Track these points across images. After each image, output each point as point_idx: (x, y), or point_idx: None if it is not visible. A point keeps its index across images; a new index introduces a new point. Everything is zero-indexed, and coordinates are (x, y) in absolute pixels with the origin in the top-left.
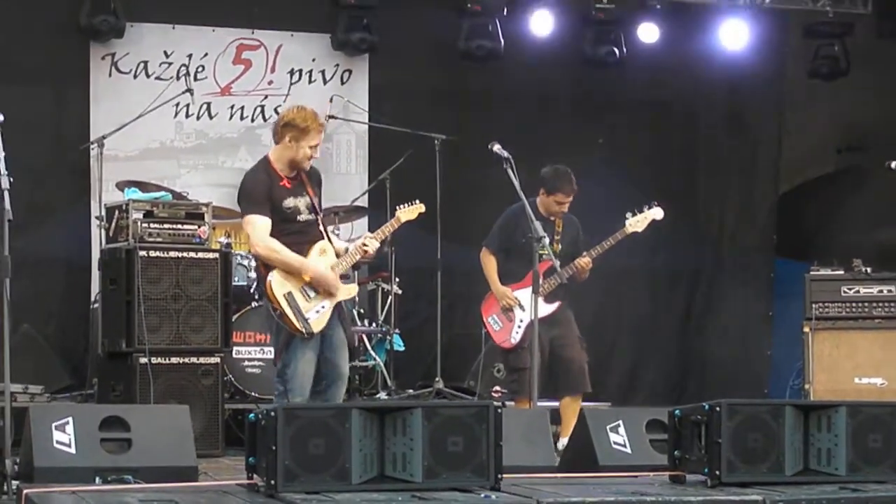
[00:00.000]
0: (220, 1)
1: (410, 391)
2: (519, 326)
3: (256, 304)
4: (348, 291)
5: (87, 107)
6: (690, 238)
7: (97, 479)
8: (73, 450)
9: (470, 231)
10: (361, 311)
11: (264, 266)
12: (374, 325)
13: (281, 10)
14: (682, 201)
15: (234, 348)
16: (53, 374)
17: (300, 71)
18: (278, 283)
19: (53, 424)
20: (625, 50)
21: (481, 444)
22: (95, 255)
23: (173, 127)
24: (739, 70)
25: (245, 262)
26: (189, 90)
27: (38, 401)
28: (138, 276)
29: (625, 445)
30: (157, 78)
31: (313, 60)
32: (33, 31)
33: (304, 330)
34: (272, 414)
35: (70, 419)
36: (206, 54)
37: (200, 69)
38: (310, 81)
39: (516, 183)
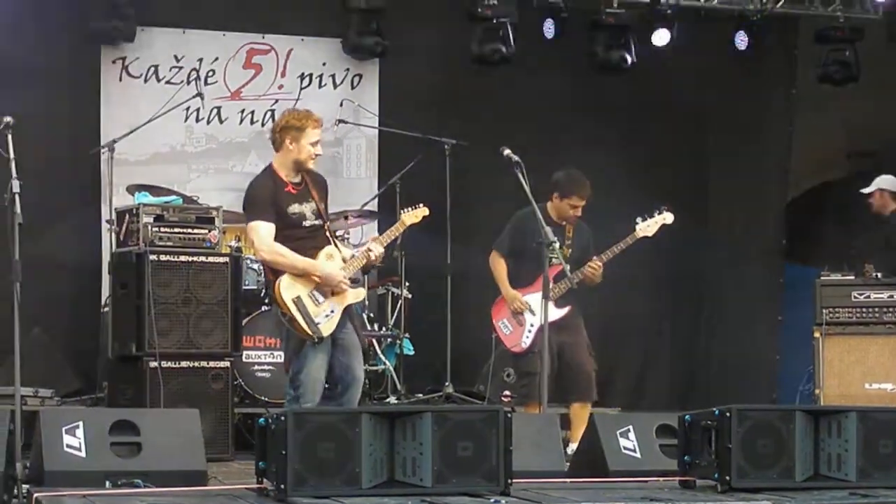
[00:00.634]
0: (230, 5)
1: (420, 396)
2: (529, 331)
3: (266, 308)
4: (357, 295)
5: (97, 111)
6: (700, 243)
7: (107, 483)
8: (83, 454)
9: (480, 235)
10: (371, 315)
11: (272, 272)
12: (383, 329)
13: (291, 15)
14: (691, 206)
15: (244, 352)
16: (64, 377)
17: (310, 75)
18: (287, 288)
19: (64, 428)
20: (636, 55)
21: (491, 449)
22: (106, 258)
23: (184, 131)
24: (750, 75)
25: (255, 266)
26: (199, 94)
27: (49, 404)
28: (148, 280)
29: (635, 451)
30: (168, 82)
31: (324, 65)
32: (44, 35)
33: (314, 335)
34: (282, 418)
35: (80, 423)
36: (216, 59)
37: (211, 73)
38: (320, 86)
39: (527, 187)
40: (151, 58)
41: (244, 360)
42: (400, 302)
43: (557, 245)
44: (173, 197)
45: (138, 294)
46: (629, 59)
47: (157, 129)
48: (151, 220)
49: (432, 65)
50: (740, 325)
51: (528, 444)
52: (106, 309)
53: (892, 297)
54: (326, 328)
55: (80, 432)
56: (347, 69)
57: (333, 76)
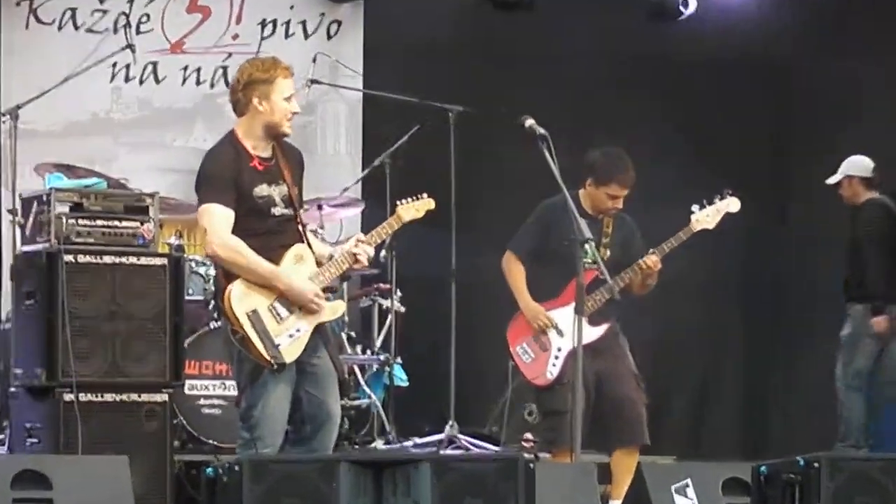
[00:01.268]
0: None
1: (416, 439)
2: (556, 357)
3: (216, 325)
4: (333, 310)
5: None
6: (776, 242)
7: None
8: None
9: (493, 232)
10: (352, 334)
11: (224, 273)
12: (368, 352)
13: None
14: (765, 194)
15: (187, 382)
16: None
17: (274, 22)
18: (239, 298)
19: None
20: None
21: None
22: (7, 260)
23: (109, 94)
24: (847, 33)
25: (202, 271)
26: (130, 46)
27: None
28: (63, 288)
29: None
30: (88, 30)
31: (291, 8)
32: None
33: (272, 360)
34: (236, 468)
35: None
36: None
37: (144, 19)
38: (286, 35)
39: (555, 169)
40: None
41: (187, 392)
42: (390, 317)
43: (594, 244)
44: (95, 179)
45: (49, 306)
46: (689, 4)
47: (74, 92)
48: (67, 209)
49: (432, 8)
50: (827, 349)
51: (558, 502)
52: (6, 325)
53: None
54: (290, 352)
55: None
56: (322, 14)
57: (304, 23)
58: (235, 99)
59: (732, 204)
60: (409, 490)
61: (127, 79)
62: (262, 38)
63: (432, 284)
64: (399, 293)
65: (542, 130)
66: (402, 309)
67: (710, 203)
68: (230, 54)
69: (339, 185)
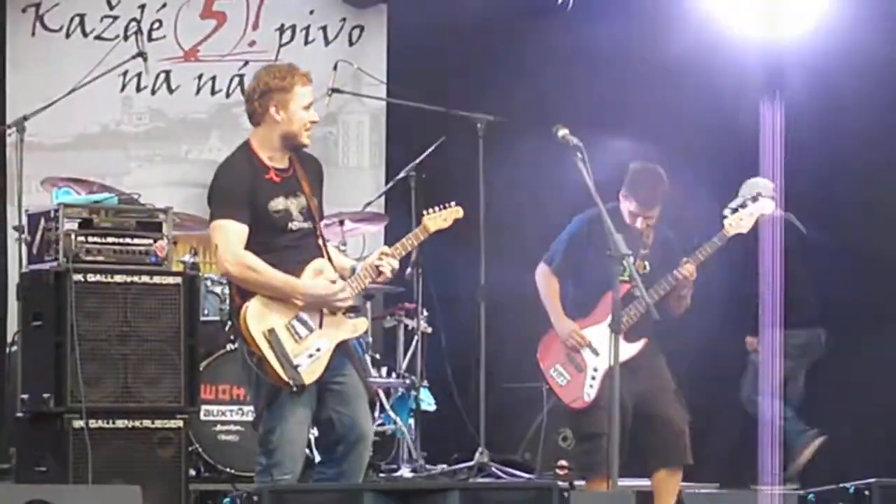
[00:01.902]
0: None
1: (444, 467)
2: (593, 378)
3: (233, 347)
4: (354, 328)
5: (1, 77)
6: (821, 250)
7: None
8: None
9: (525, 247)
10: (377, 356)
11: (239, 293)
12: (393, 375)
13: None
14: (812, 201)
15: (203, 407)
16: None
17: (293, 28)
18: (256, 317)
19: None
20: None
21: None
22: (13, 279)
23: (120, 104)
24: None
25: (218, 290)
26: (141, 54)
27: None
28: (72, 309)
29: None
30: (98, 37)
31: (311, 13)
32: None
33: (291, 381)
34: (255, 498)
35: None
36: (164, 5)
37: (156, 25)
38: (306, 42)
39: (589, 181)
40: (75, 4)
41: (203, 417)
42: (416, 338)
43: (631, 260)
44: (106, 195)
45: (58, 328)
46: None
47: (83, 102)
48: (76, 226)
49: (459, 13)
50: (882, 367)
51: None
52: (14, 348)
53: None
54: (310, 373)
55: None
56: (344, 19)
57: (324, 29)
58: (251, 108)
59: (766, 206)
60: None
61: (138, 88)
62: (281, 45)
63: (460, 303)
64: (425, 312)
65: (575, 140)
66: (430, 329)
67: (743, 206)
68: (247, 62)
69: (362, 199)
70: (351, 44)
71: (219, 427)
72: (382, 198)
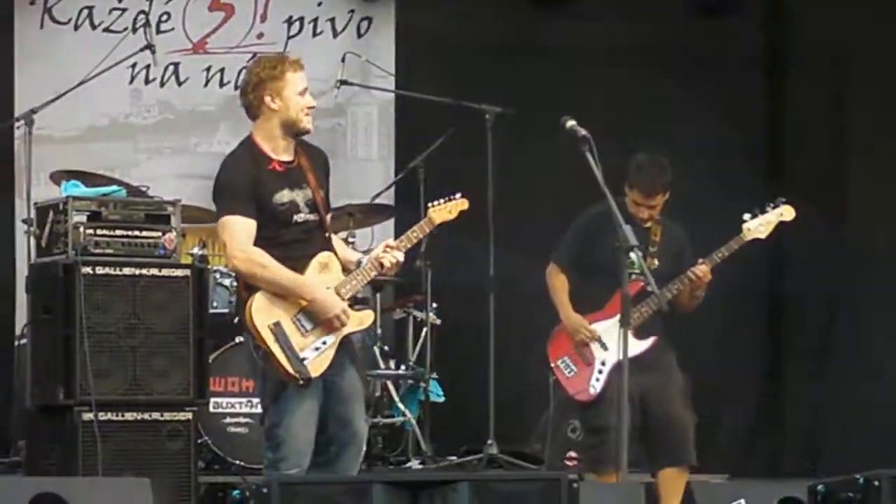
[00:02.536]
0: None
1: (453, 459)
2: (600, 371)
3: (242, 340)
4: (360, 321)
5: (9, 70)
6: (830, 251)
7: None
8: None
9: (534, 239)
10: (386, 348)
11: (246, 287)
12: (402, 367)
13: None
14: (822, 199)
15: (212, 400)
16: None
17: (301, 20)
18: (261, 311)
19: None
20: None
21: None
22: (22, 272)
23: (128, 96)
24: None
25: (226, 282)
26: (149, 46)
27: None
28: (81, 302)
29: None
30: (106, 30)
31: (319, 5)
32: None
33: (297, 375)
34: (264, 490)
35: None
36: None
37: (164, 17)
38: (314, 34)
39: (598, 173)
40: None
41: (212, 410)
42: (425, 330)
43: (640, 253)
44: (114, 187)
45: (67, 321)
46: None
47: (91, 95)
48: (84, 219)
49: (467, 4)
50: (884, 360)
51: None
52: (23, 341)
53: None
54: (316, 366)
55: None
56: (352, 11)
57: (333, 21)
58: (247, 102)
59: (786, 213)
60: None
61: (147, 81)
62: (289, 37)
63: (469, 295)
64: (434, 305)
65: (584, 132)
66: (438, 321)
67: (763, 211)
68: (255, 54)
69: (370, 191)
70: (359, 36)
71: (228, 419)
72: (392, 190)
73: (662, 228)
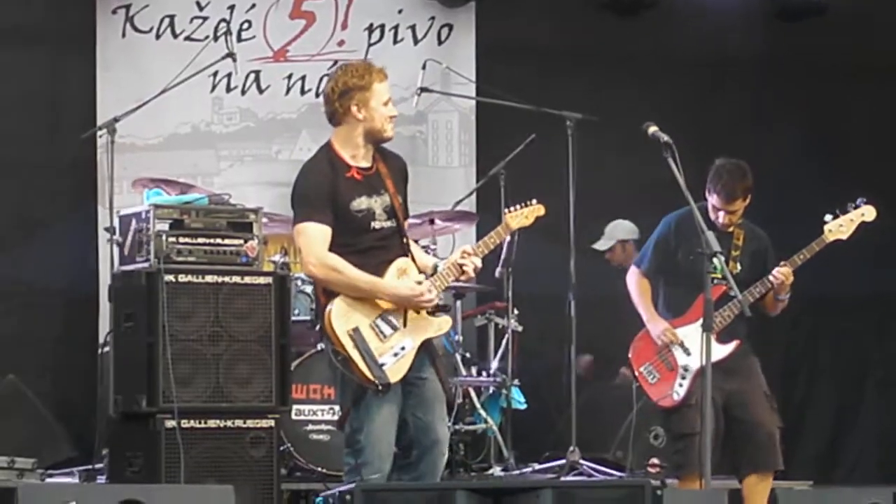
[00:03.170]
0: None
1: (535, 465)
2: (683, 377)
3: (323, 347)
4: (439, 326)
5: (91, 79)
6: None
7: None
8: None
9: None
10: (467, 355)
11: (324, 292)
12: (484, 374)
13: None
14: None
15: (295, 407)
16: (48, 442)
17: (381, 27)
18: (340, 316)
19: None
20: None
21: None
22: (105, 280)
23: (210, 105)
24: None
25: (308, 290)
26: (231, 55)
27: (30, 478)
28: (164, 310)
29: None
30: (188, 38)
31: (399, 12)
32: None
33: (377, 380)
34: (347, 497)
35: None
36: (253, 5)
37: (245, 26)
38: (395, 41)
39: (680, 179)
40: (165, 5)
41: (294, 417)
42: (507, 337)
43: (723, 259)
44: (196, 195)
45: (150, 329)
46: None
47: (173, 103)
48: (167, 227)
49: (549, 11)
50: None
51: None
52: (106, 349)
53: None
54: (395, 372)
55: None
56: (432, 18)
57: (413, 28)
58: (332, 109)
59: (868, 213)
60: None
61: (228, 88)
62: (370, 44)
63: (552, 302)
64: (516, 311)
65: (666, 138)
66: (520, 328)
67: (844, 212)
68: (336, 61)
69: (452, 198)
70: (440, 42)
71: (310, 426)
72: (473, 196)
73: (745, 233)
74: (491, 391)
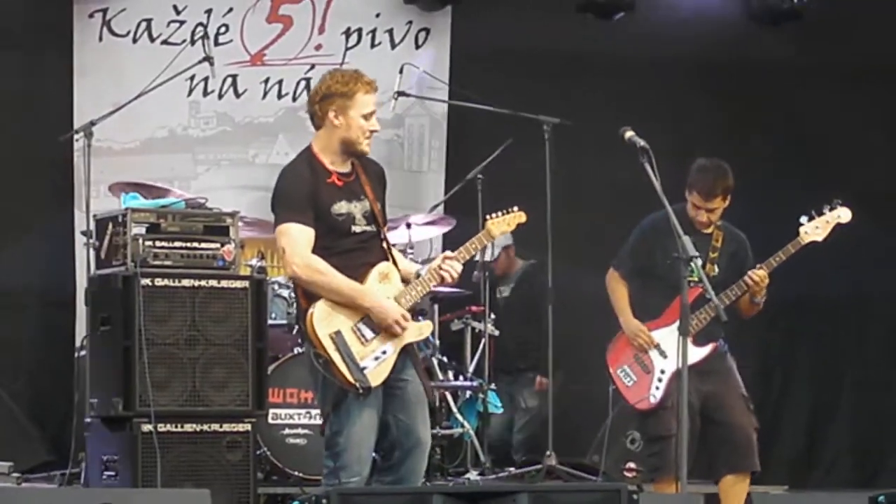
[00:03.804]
0: None
1: (512, 470)
2: (659, 379)
3: (300, 351)
4: (419, 331)
5: (69, 83)
6: (892, 255)
7: None
8: None
9: (593, 249)
10: (444, 359)
11: (305, 295)
12: (461, 378)
13: None
14: (881, 201)
15: (271, 411)
16: (25, 446)
17: (359, 31)
18: (322, 319)
19: None
20: None
21: None
22: (81, 284)
23: (187, 109)
24: None
25: (285, 293)
26: (208, 58)
27: (5, 482)
28: (140, 313)
29: None
30: (165, 42)
31: (377, 16)
32: None
33: (357, 384)
34: (323, 501)
35: None
36: (230, 9)
37: (223, 30)
38: (372, 45)
39: (656, 183)
40: (142, 9)
41: (271, 421)
42: (483, 341)
43: (700, 262)
44: (173, 199)
45: (126, 332)
46: (796, 2)
47: (150, 107)
48: (143, 230)
49: (525, 16)
50: None
51: None
52: (82, 353)
53: None
54: (376, 375)
55: None
56: (410, 22)
57: (391, 32)
58: (312, 111)
59: (843, 214)
60: None
61: (205, 93)
62: (347, 49)
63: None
64: (493, 316)
65: (642, 142)
66: (497, 332)
67: (820, 214)
68: (313, 65)
69: (428, 202)
70: (417, 47)
71: (287, 430)
72: (449, 200)
73: (724, 234)
74: (468, 395)
